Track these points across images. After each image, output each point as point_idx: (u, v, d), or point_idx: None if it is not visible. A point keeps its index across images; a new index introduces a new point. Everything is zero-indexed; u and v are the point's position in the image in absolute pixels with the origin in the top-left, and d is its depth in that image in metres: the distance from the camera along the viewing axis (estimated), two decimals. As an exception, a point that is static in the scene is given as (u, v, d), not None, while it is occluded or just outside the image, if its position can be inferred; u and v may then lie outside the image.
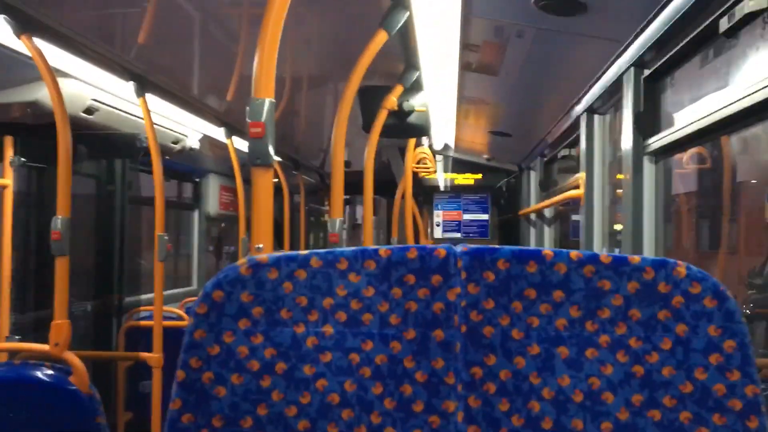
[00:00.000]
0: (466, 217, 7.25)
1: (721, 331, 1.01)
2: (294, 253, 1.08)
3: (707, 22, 1.77)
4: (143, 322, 4.02)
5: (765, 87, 1.41)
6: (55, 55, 2.62)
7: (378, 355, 1.05)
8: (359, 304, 1.07)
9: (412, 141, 4.33)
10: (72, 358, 2.40)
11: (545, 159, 5.23)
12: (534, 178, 5.64)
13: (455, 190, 7.17)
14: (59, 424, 2.33)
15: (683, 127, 1.94)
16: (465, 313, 1.05)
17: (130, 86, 3.00)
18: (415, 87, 3.06)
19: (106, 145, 3.74)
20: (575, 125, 3.45)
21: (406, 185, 4.51)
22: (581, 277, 1.04)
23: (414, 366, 1.05)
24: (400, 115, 3.05)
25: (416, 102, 3.08)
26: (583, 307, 1.04)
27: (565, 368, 1.03)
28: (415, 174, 5.82)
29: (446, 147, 6.17)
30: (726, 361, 1.01)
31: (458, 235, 7.25)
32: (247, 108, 1.56)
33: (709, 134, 1.91)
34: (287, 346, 1.06)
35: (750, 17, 1.50)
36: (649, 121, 2.26)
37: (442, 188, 7.16)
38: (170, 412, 1.05)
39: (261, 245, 1.59)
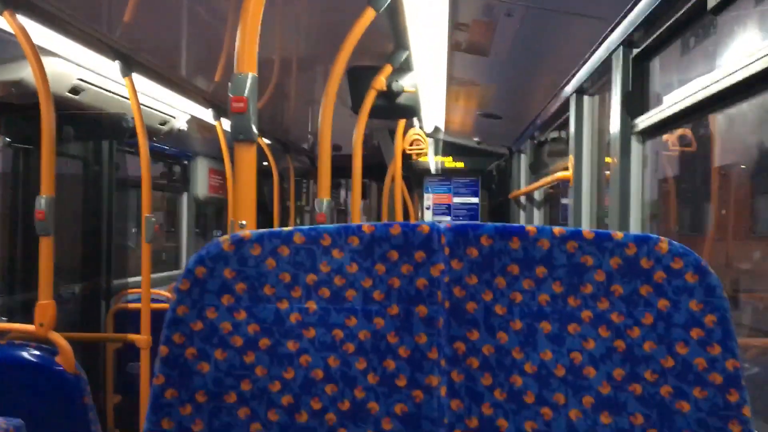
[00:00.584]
0: (456, 200, 7.26)
1: (703, 305, 1.02)
2: (277, 229, 1.08)
3: (695, 0, 1.77)
4: (131, 305, 4.01)
5: (750, 64, 1.41)
6: (39, 33, 2.59)
7: (361, 331, 1.06)
8: (342, 280, 1.06)
9: (402, 123, 4.32)
10: (58, 338, 2.40)
11: (535, 141, 5.23)
12: (524, 160, 5.64)
13: (446, 174, 7.17)
14: (46, 405, 2.32)
15: (670, 106, 1.94)
16: (448, 288, 1.05)
17: (116, 66, 2.98)
18: (405, 67, 3.05)
19: (92, 126, 3.71)
20: (565, 107, 3.45)
21: (396, 168, 4.50)
22: (564, 253, 1.04)
23: (397, 341, 1.05)
24: (389, 95, 3.04)
25: (406, 82, 3.06)
26: (565, 283, 1.04)
27: (548, 343, 1.04)
28: (405, 157, 5.81)
29: (436, 129, 6.16)
30: (707, 335, 1.01)
31: (448, 218, 7.26)
32: (229, 83, 1.55)
33: (697, 113, 1.92)
34: (270, 322, 1.06)
35: (737, -6, 1.50)
36: (637, 100, 2.26)
37: (432, 171, 7.16)
38: (153, 388, 1.05)
39: (244, 222, 1.58)
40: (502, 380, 1.04)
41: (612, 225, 2.42)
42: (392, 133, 5.00)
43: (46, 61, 2.54)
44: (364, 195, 8.31)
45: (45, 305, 2.43)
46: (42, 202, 2.48)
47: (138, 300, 3.75)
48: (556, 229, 1.05)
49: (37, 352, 2.38)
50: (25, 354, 2.36)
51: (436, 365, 1.05)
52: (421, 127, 5.74)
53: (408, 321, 1.05)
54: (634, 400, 1.02)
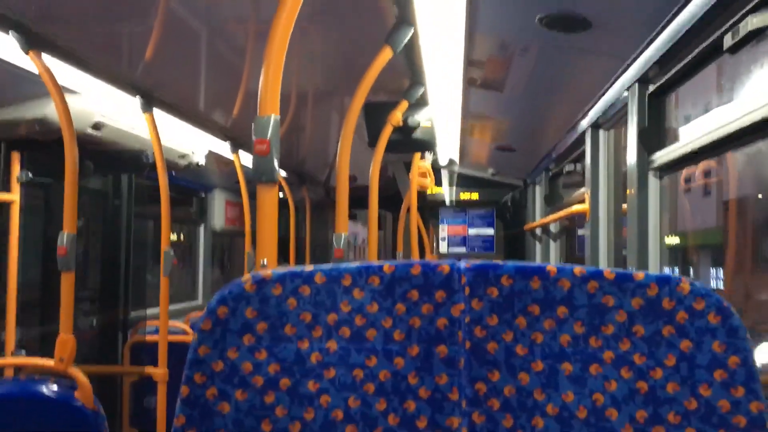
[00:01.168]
0: (472, 231, 7.24)
1: (726, 347, 1.01)
2: (298, 269, 1.08)
3: (711, 39, 1.78)
4: (149, 337, 4.02)
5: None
6: (63, 72, 2.65)
7: (382, 371, 1.05)
8: (363, 320, 1.07)
9: (417, 156, 4.34)
10: (77, 373, 2.40)
11: (550, 174, 5.23)
12: (539, 192, 5.63)
13: (460, 205, 7.17)
14: None
15: (688, 143, 1.94)
16: (469, 329, 1.05)
17: (136, 102, 3.03)
18: (420, 102, 3.08)
19: (113, 161, 3.77)
20: (580, 140, 3.46)
21: (412, 200, 4.52)
22: (585, 293, 1.04)
23: (418, 382, 1.05)
24: (405, 130, 3.07)
25: (421, 117, 3.09)
26: (586, 323, 1.04)
27: (569, 384, 1.03)
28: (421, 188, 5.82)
29: (451, 162, 6.18)
30: (730, 377, 1.00)
31: (463, 249, 7.24)
32: (253, 125, 1.57)
33: (714, 150, 1.92)
34: (291, 362, 1.06)
35: (754, 34, 1.51)
36: (653, 136, 2.27)
37: (447, 203, 7.16)
38: (174, 429, 1.05)
39: (265, 261, 1.59)
40: (524, 422, 1.03)
41: (631, 260, 2.41)
42: (408, 165, 5.02)
43: (69, 98, 2.60)
44: (380, 226, 8.31)
45: (65, 340, 2.44)
46: (64, 238, 2.51)
47: (155, 332, 3.76)
48: (577, 269, 1.05)
49: (55, 388, 2.38)
50: (44, 389, 2.37)
51: (457, 406, 1.04)
52: (435, 161, 5.76)
53: (428, 361, 1.05)
54: None
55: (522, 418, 1.03)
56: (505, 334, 1.05)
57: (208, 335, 1.06)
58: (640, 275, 1.04)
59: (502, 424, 1.03)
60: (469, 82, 3.20)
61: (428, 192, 6.41)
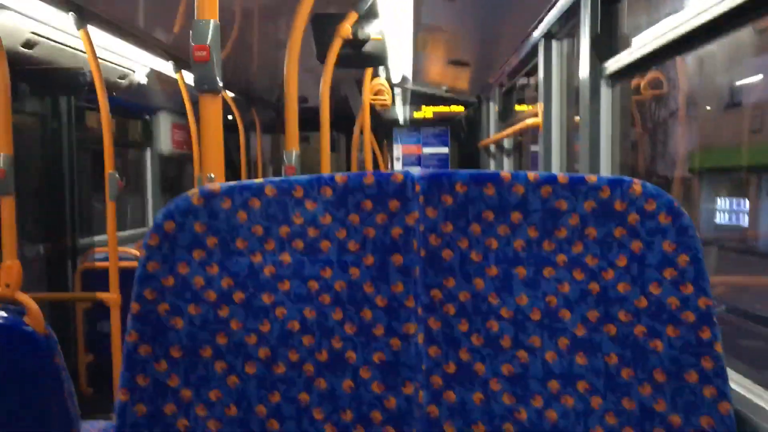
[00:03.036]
0: (426, 150, 7.24)
1: (675, 246, 1.03)
2: (248, 181, 1.06)
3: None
4: (99, 264, 3.96)
5: (715, 5, 1.40)
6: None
7: (337, 282, 1.05)
8: (317, 231, 1.05)
9: (369, 73, 4.25)
10: (25, 298, 2.35)
11: (504, 89, 5.20)
12: (493, 108, 5.62)
13: (414, 124, 7.12)
14: (16, 366, 2.29)
15: (639, 48, 1.93)
16: (424, 237, 1.05)
17: (70, 18, 2.86)
18: (370, 14, 2.98)
19: (48, 81, 3.60)
20: (534, 53, 3.42)
21: (365, 120, 4.45)
22: (539, 198, 1.04)
23: (373, 291, 1.05)
24: (355, 44, 2.98)
25: (372, 30, 3.00)
26: (540, 228, 1.05)
27: (523, 288, 1.04)
28: (373, 108, 5.74)
29: (404, 79, 6.08)
30: (680, 275, 1.03)
31: (418, 169, 7.25)
32: (191, 31, 1.50)
33: (665, 55, 1.91)
34: (244, 276, 1.05)
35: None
36: (606, 44, 2.24)
37: (401, 122, 7.10)
38: (126, 344, 1.04)
39: (213, 174, 1.55)
40: (479, 326, 1.05)
41: (582, 167, 2.42)
42: (359, 83, 4.92)
43: (-5, 13, 2.44)
44: (333, 148, 8.24)
45: (10, 266, 2.38)
46: (0, 160, 2.41)
47: (106, 258, 3.70)
48: (531, 174, 1.05)
49: (3, 314, 2.33)
50: None
51: (412, 313, 1.05)
52: (388, 77, 5.67)
53: (384, 270, 1.05)
54: (609, 340, 1.03)
55: (477, 322, 1.05)
56: (459, 241, 1.05)
57: (156, 251, 1.03)
58: (593, 178, 1.04)
59: (457, 329, 1.05)
60: (420, -8, 3.11)
61: (383, 109, 6.33)
